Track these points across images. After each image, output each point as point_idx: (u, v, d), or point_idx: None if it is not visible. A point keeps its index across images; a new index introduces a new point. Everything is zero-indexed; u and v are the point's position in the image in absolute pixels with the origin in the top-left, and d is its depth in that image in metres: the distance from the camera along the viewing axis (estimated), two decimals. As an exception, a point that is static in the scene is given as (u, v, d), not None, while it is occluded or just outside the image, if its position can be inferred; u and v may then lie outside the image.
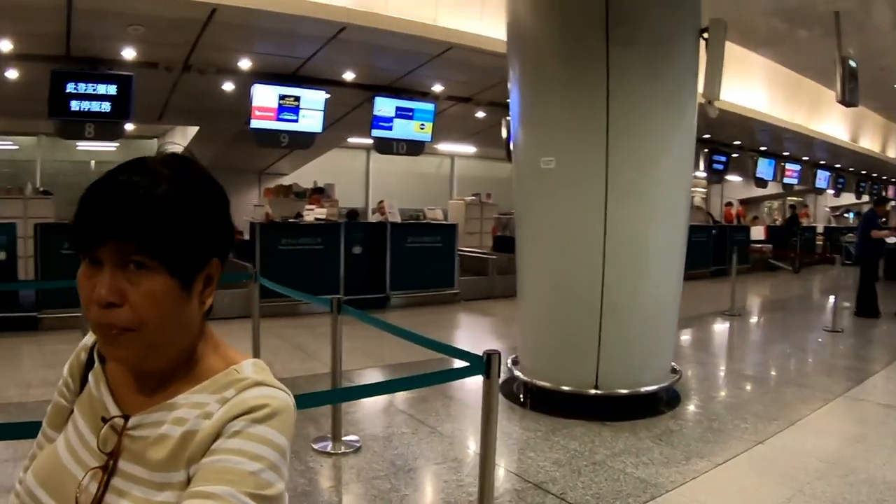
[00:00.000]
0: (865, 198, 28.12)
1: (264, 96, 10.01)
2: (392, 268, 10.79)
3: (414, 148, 11.81)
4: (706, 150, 16.90)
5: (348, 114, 12.35)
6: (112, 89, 8.72)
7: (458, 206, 19.08)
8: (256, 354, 4.45)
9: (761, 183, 20.29)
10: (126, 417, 1.02)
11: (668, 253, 5.89)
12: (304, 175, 17.02)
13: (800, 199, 32.38)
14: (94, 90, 8.65)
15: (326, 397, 4.53)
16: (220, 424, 0.96)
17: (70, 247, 1.01)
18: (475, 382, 5.95)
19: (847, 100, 9.01)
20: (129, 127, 9.43)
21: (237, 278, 7.89)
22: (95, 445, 1.02)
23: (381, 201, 13.69)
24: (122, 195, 0.95)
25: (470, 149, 19.82)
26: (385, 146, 11.51)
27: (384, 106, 11.23)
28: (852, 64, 8.95)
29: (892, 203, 21.35)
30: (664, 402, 5.93)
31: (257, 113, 9.99)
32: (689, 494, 4.13)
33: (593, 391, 5.65)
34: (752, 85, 13.79)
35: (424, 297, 11.15)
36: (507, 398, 5.96)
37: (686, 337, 9.36)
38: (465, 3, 9.26)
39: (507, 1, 6.25)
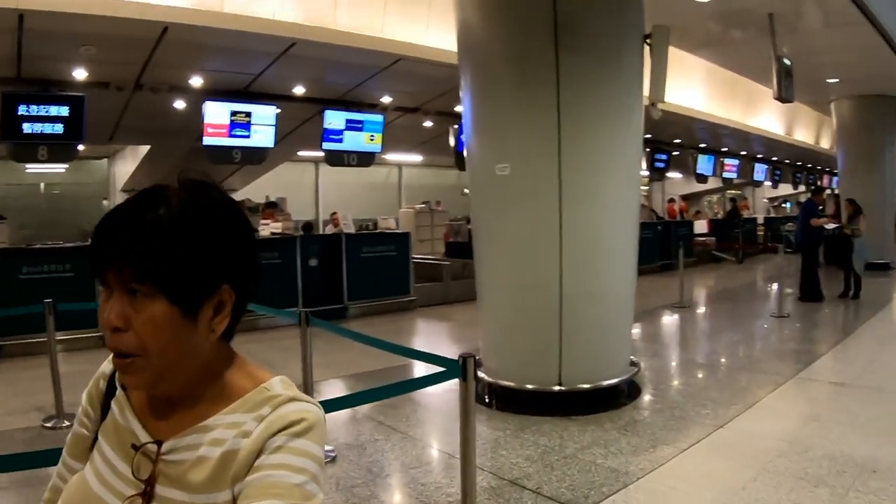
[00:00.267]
0: (802, 188, 29.05)
1: (216, 113, 9.95)
2: (349, 278, 10.84)
3: (364, 159, 11.87)
4: (648, 149, 17.26)
5: (298, 127, 12.37)
6: (64, 111, 8.58)
7: (409, 214, 19.20)
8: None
9: (702, 178, 20.80)
10: (159, 443, 1.01)
11: (622, 251, 6.08)
12: (256, 190, 16.95)
13: (739, 192, 33.24)
14: (47, 112, 8.50)
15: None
16: (262, 441, 0.96)
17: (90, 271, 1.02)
18: (441, 387, 6.08)
19: (783, 96, 9.37)
20: (80, 148, 9.27)
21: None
22: (129, 474, 1.01)
23: (335, 213, 13.69)
24: (127, 221, 0.97)
25: (417, 158, 19.92)
26: (336, 158, 11.55)
27: (334, 119, 11.27)
28: (787, 62, 9.33)
29: (828, 192, 22.06)
30: (625, 394, 6.12)
31: (209, 130, 9.92)
32: (659, 480, 4.30)
33: (557, 388, 5.79)
34: (691, 86, 14.17)
35: (382, 306, 11.21)
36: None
37: (641, 330, 9.58)
38: (411, 15, 9.35)
39: (457, 12, 6.34)
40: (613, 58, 5.82)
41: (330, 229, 12.90)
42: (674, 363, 8.04)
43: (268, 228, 11.60)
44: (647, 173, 18.33)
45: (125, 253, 0.94)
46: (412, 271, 11.79)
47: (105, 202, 17.16)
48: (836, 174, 20.59)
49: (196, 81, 10.02)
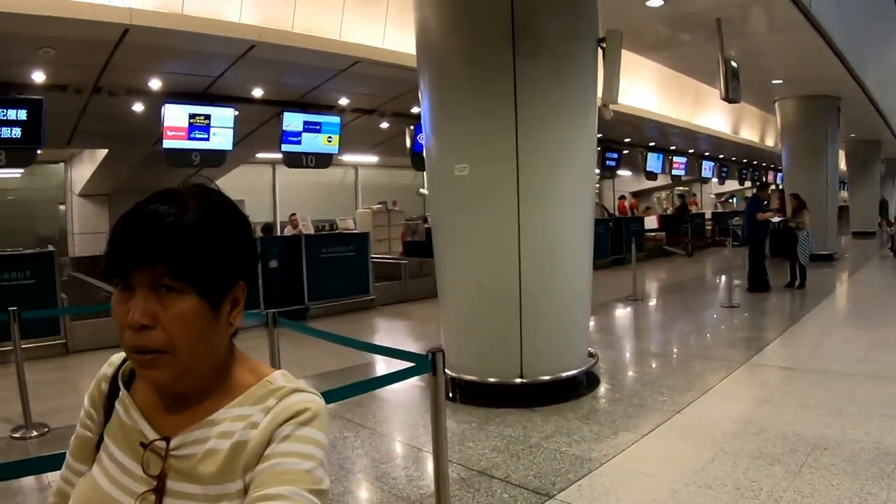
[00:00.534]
0: (748, 184, 29.75)
1: (175, 116, 9.91)
2: (309, 279, 10.86)
3: (323, 161, 11.92)
4: (599, 148, 17.54)
5: (257, 129, 12.36)
6: (22, 114, 8.43)
7: (366, 214, 19.25)
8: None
9: (651, 176, 21.28)
10: (167, 439, 1.04)
11: (578, 248, 6.26)
12: (214, 193, 16.67)
13: (687, 188, 33.87)
14: (4, 115, 8.35)
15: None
16: (270, 431, 1.01)
17: (104, 274, 1.06)
18: (406, 383, 6.23)
19: (730, 97, 9.65)
20: (37, 152, 9.14)
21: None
22: (139, 471, 1.04)
23: (294, 214, 13.68)
24: (154, 223, 1.00)
25: (373, 159, 19.94)
26: (294, 160, 11.58)
27: (293, 121, 11.30)
28: (734, 64, 9.61)
29: (773, 187, 22.68)
30: (585, 384, 6.31)
31: (169, 133, 9.87)
32: (622, 465, 4.48)
33: (519, 380, 5.95)
34: (641, 87, 14.52)
35: (342, 306, 11.27)
36: (437, 395, 6.21)
37: (597, 323, 9.77)
38: (369, 18, 9.43)
39: (416, 15, 6.42)
40: (569, 61, 5.98)
41: (289, 231, 12.89)
42: (630, 353, 8.27)
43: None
44: (598, 171, 18.62)
45: (164, 252, 0.98)
46: (371, 271, 11.86)
47: (61, 207, 16.78)
48: (780, 171, 21.14)
49: (155, 84, 9.96)
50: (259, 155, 16.43)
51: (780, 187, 19.56)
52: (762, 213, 12.51)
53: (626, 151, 19.66)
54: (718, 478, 4.14)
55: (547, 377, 5.98)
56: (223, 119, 10.36)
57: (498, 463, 4.60)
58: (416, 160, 12.49)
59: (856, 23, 14.10)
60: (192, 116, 10.04)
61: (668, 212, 27.54)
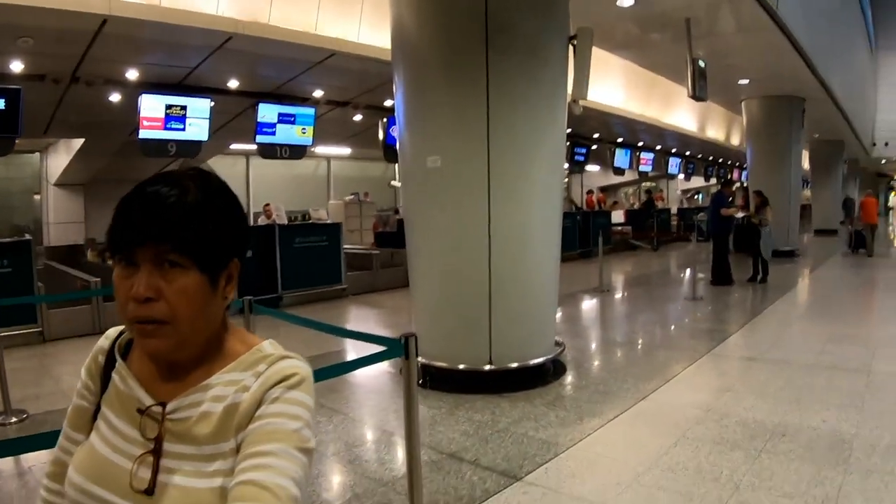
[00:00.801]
0: (713, 180, 30.17)
1: (151, 106, 9.91)
2: (282, 268, 10.90)
3: (297, 152, 11.98)
4: (568, 143, 17.68)
5: (231, 121, 12.37)
6: (0, 104, 8.37)
7: (338, 206, 19.31)
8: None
9: (619, 171, 21.58)
10: (163, 404, 1.10)
11: (546, 239, 6.39)
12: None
13: (654, 184, 34.24)
14: (-18, 105, 8.25)
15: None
16: (261, 393, 1.07)
17: (107, 251, 1.12)
18: (377, 371, 6.31)
19: (697, 95, 9.83)
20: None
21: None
22: (137, 436, 1.10)
23: (268, 205, 13.71)
24: (158, 203, 1.05)
25: (346, 150, 19.94)
26: (269, 151, 11.62)
27: (267, 112, 11.35)
28: (701, 64, 9.78)
29: (737, 184, 23.04)
30: (552, 372, 6.45)
31: (145, 123, 9.88)
32: (587, 449, 4.62)
33: (488, 367, 6.08)
34: (610, 84, 14.68)
35: (315, 294, 11.34)
36: (408, 381, 6.32)
37: (564, 313, 9.90)
38: (345, 12, 9.47)
39: (392, 10, 6.49)
40: (541, 57, 6.10)
41: (262, 221, 12.90)
42: (596, 343, 8.42)
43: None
44: (566, 166, 18.79)
45: (168, 230, 1.04)
46: (343, 261, 11.92)
47: (36, 197, 16.59)
48: (745, 168, 21.46)
49: (132, 74, 9.96)
50: (233, 146, 16.40)
51: (745, 185, 19.87)
52: (726, 209, 12.71)
53: (594, 147, 19.86)
54: (681, 462, 4.27)
55: (515, 364, 6.11)
56: (199, 110, 10.38)
57: (467, 446, 4.70)
58: (389, 152, 12.57)
59: (821, 25, 14.39)
60: (168, 107, 10.05)
61: (635, 206, 27.83)
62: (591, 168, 25.14)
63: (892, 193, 53.76)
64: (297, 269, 11.12)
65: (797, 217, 17.72)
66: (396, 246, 12.31)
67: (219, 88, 10.96)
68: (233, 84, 11.05)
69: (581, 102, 6.66)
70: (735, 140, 24.02)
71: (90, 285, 8.93)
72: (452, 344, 6.24)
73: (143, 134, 9.93)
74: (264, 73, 10.77)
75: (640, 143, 21.99)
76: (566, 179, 28.61)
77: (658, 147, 23.43)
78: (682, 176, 27.53)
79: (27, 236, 8.54)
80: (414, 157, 6.37)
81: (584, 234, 18.40)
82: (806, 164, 25.71)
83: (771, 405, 5.37)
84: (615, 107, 15.67)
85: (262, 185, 19.32)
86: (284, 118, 11.56)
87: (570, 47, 6.43)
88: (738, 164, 30.73)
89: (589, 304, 11.23)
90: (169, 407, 1.10)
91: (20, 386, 6.05)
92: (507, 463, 4.39)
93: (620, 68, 14.15)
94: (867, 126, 28.38)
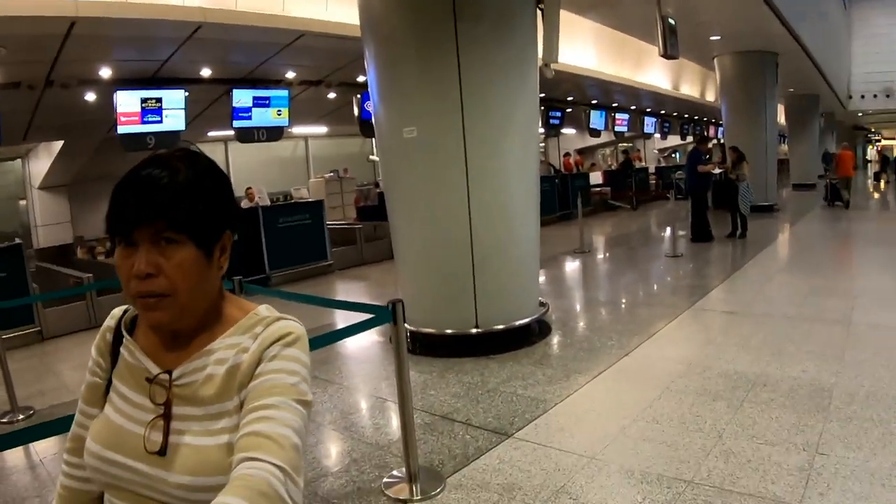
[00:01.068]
0: (689, 138, 30.30)
1: (127, 102, 9.96)
2: (268, 249, 10.96)
3: (273, 134, 12.06)
4: (543, 108, 17.71)
5: (207, 108, 12.37)
6: None
7: (319, 183, 19.27)
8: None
9: (595, 133, 21.65)
10: (169, 372, 1.18)
11: (525, 201, 6.46)
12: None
13: (630, 144, 34.23)
14: (-38, 116, 8.22)
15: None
16: (260, 352, 1.15)
17: (107, 233, 1.18)
18: (367, 340, 6.40)
19: (668, 54, 9.79)
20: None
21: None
22: (147, 403, 1.18)
23: (250, 188, 13.75)
24: (150, 185, 1.12)
25: (322, 129, 19.87)
26: (246, 135, 11.70)
27: (242, 97, 11.41)
28: (671, 22, 9.75)
29: (713, 141, 23.15)
30: (537, 332, 6.60)
31: (122, 119, 9.92)
32: (575, 404, 4.76)
33: (475, 330, 6.18)
34: (582, 46, 14.69)
35: (302, 272, 11.42)
36: (397, 348, 6.43)
37: (547, 275, 10.06)
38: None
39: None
40: (508, 23, 6.09)
41: (245, 204, 12.90)
42: (579, 302, 8.52)
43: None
44: (542, 130, 18.83)
45: (163, 209, 1.11)
46: (328, 237, 11.99)
47: (22, 202, 16.58)
48: (721, 125, 21.54)
49: (105, 73, 9.95)
50: (211, 133, 16.35)
51: (722, 141, 19.98)
52: (703, 165, 12.76)
53: (569, 110, 19.91)
54: (665, 413, 4.41)
55: (501, 326, 6.23)
56: (174, 101, 10.43)
57: (458, 408, 4.83)
58: (365, 127, 12.70)
59: (791, -24, 14.37)
60: (143, 101, 10.10)
61: (613, 167, 27.87)
62: (567, 131, 25.14)
63: (870, 146, 54.06)
64: (282, 248, 11.17)
65: (774, 172, 17.78)
66: (378, 219, 12.35)
67: (192, 78, 10.95)
68: (205, 72, 11.03)
69: (553, 66, 6.66)
70: (710, 96, 24.06)
71: (83, 281, 9.00)
72: (439, 310, 6.34)
73: (122, 129, 9.97)
74: (236, 59, 10.77)
75: (615, 104, 22.02)
76: (543, 144, 28.70)
77: (633, 107, 23.50)
78: (658, 135, 27.60)
79: (17, 240, 8.57)
80: (390, 130, 6.40)
81: (563, 197, 18.45)
82: (782, 119, 25.81)
83: (752, 357, 5.49)
84: (588, 69, 15.66)
85: (242, 170, 19.19)
86: (259, 102, 11.62)
87: (539, 12, 6.44)
88: (713, 120, 30.83)
89: (571, 266, 11.34)
90: (175, 373, 1.18)
91: (24, 384, 6.12)
92: (497, 421, 4.52)
93: (590, 30, 14.13)
94: (842, 79, 28.36)
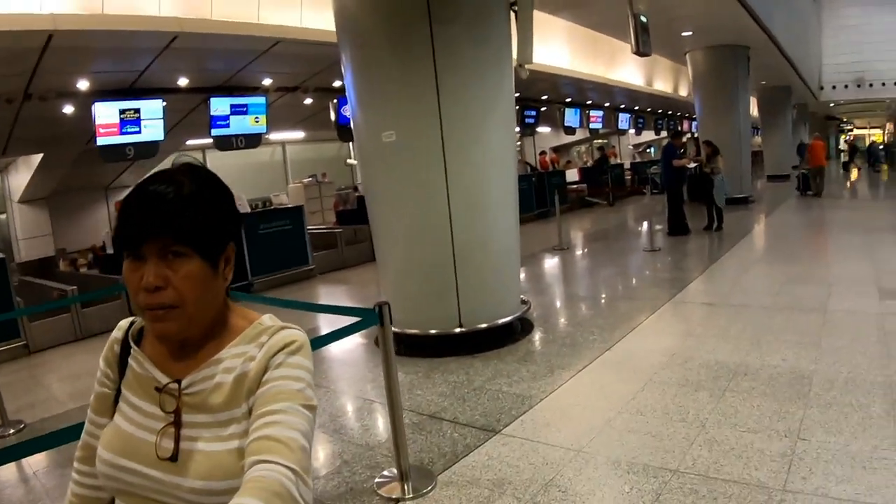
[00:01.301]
0: (664, 133, 30.48)
1: (105, 113, 9.91)
2: (250, 255, 10.91)
3: (252, 141, 12.04)
4: (518, 107, 17.71)
5: (185, 117, 12.33)
6: None
7: (298, 189, 19.28)
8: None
9: (570, 130, 21.68)
10: (178, 381, 1.22)
11: (503, 201, 6.51)
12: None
13: (606, 140, 34.45)
14: (-59, 132, 8.17)
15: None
16: (266, 361, 1.21)
17: (115, 248, 1.22)
18: (352, 343, 6.43)
19: (641, 51, 9.87)
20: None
21: (112, 291, 7.98)
22: (158, 412, 1.22)
23: (229, 195, 13.72)
24: (156, 200, 1.17)
25: (300, 134, 19.85)
26: (225, 143, 11.67)
27: (220, 105, 11.38)
28: (643, 19, 9.85)
29: (688, 135, 23.33)
30: (520, 329, 6.66)
31: (101, 130, 9.87)
32: (560, 399, 4.83)
33: (458, 330, 6.23)
34: (555, 45, 14.74)
35: (284, 277, 11.40)
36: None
37: (527, 273, 10.10)
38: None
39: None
40: (483, 25, 6.14)
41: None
42: (560, 299, 8.60)
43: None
44: (518, 129, 18.91)
45: (169, 224, 1.15)
46: (308, 242, 11.98)
47: (2, 216, 16.49)
48: (694, 119, 21.70)
49: (83, 84, 9.90)
50: (189, 142, 16.29)
51: (696, 136, 20.14)
52: (678, 160, 12.87)
53: (544, 108, 19.95)
54: (649, 405, 4.49)
55: (484, 325, 6.28)
56: (152, 111, 10.37)
57: (445, 406, 4.87)
58: (342, 132, 12.73)
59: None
60: (122, 112, 10.03)
61: (588, 164, 28.01)
62: (543, 129, 25.25)
63: (843, 136, 54.62)
64: (264, 254, 11.14)
65: (749, 164, 17.96)
66: (358, 223, 12.39)
67: (170, 88, 10.92)
68: (183, 82, 11.00)
69: (527, 66, 6.74)
70: (683, 91, 24.25)
71: (67, 294, 8.96)
72: (422, 311, 6.37)
73: (101, 141, 9.92)
74: (212, 67, 10.75)
75: (589, 102, 22.10)
76: (519, 143, 28.80)
77: (607, 104, 23.58)
78: (632, 131, 27.72)
79: (0, 255, 8.54)
80: (369, 135, 6.42)
81: (540, 195, 18.54)
82: (755, 111, 26.02)
83: (732, 347, 5.59)
84: (562, 68, 15.75)
85: (221, 177, 19.17)
86: (237, 109, 11.60)
87: (512, 13, 6.50)
88: (687, 115, 31.05)
89: (551, 263, 11.40)
90: (184, 382, 1.22)
91: (13, 398, 6.08)
92: (484, 418, 4.57)
93: (563, 29, 14.22)
94: (813, 71, 28.63)
